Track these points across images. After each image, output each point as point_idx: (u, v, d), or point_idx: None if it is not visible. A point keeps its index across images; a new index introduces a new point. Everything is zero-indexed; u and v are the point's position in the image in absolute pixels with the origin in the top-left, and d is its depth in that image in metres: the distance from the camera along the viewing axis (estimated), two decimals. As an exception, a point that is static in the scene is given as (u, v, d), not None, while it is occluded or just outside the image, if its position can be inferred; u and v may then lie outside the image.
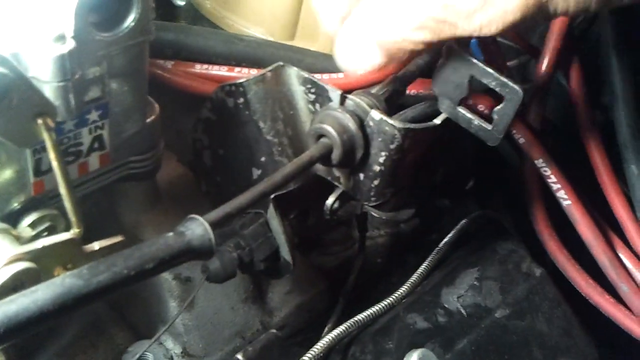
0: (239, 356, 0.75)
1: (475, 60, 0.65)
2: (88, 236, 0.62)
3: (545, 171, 0.91)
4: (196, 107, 0.80)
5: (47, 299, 0.50)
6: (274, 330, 0.80)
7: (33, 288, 0.50)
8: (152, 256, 0.55)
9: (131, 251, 0.55)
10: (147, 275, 0.55)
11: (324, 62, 0.92)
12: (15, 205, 0.63)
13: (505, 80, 0.63)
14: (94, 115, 0.63)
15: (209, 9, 1.01)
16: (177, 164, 0.87)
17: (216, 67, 0.88)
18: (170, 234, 0.58)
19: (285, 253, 0.74)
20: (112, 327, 0.80)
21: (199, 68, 0.88)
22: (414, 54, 0.60)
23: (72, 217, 0.59)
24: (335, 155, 0.68)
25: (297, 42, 0.98)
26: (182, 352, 0.78)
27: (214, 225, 0.59)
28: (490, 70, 0.64)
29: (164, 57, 0.89)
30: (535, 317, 0.87)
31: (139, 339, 0.79)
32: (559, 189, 0.91)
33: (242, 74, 0.88)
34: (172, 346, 0.79)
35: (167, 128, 0.76)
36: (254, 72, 0.86)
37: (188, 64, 0.88)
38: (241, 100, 0.75)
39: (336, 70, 0.89)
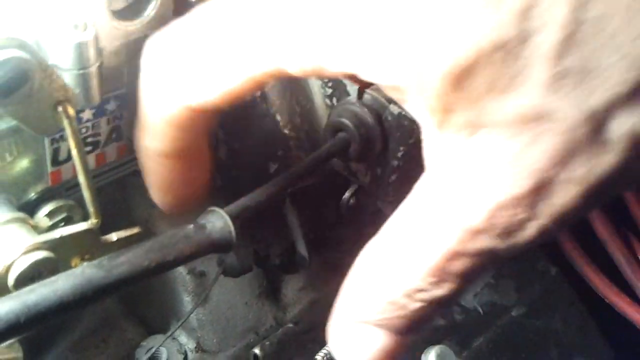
0: (256, 350, 0.74)
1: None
2: (103, 229, 0.62)
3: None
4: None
5: (67, 289, 0.49)
6: (290, 325, 0.79)
7: (53, 278, 0.50)
8: (173, 248, 0.54)
9: (152, 243, 0.55)
10: (167, 268, 0.55)
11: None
12: (32, 195, 0.62)
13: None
14: (112, 105, 0.63)
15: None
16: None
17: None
18: (191, 226, 0.57)
19: (302, 248, 0.74)
20: (123, 322, 0.80)
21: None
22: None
23: (91, 207, 0.59)
24: (353, 150, 0.68)
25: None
26: (195, 347, 0.78)
27: (234, 218, 0.59)
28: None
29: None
30: (551, 315, 0.86)
31: (151, 334, 0.79)
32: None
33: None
34: (186, 341, 0.78)
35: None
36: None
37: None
38: (258, 93, 0.74)
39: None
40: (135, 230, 0.63)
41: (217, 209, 0.59)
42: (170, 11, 0.60)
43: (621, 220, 0.93)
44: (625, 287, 0.90)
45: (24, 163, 0.60)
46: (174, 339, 0.78)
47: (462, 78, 0.38)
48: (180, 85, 0.49)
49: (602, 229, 0.90)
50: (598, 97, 0.37)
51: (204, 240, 0.57)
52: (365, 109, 0.67)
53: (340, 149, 0.68)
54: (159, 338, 0.77)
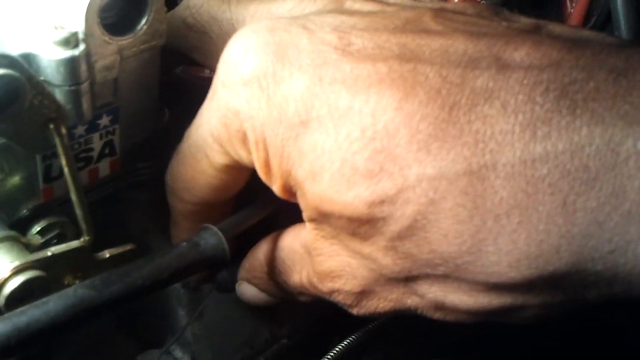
0: (251, 366, 0.74)
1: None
2: (96, 244, 0.61)
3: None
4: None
5: (59, 310, 0.49)
6: (285, 340, 0.78)
7: (44, 299, 0.49)
8: (166, 266, 0.54)
9: (144, 261, 0.54)
10: (161, 286, 0.54)
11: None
12: (24, 212, 0.61)
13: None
14: (105, 120, 0.62)
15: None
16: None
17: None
18: (184, 243, 0.57)
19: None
20: (118, 336, 0.79)
21: (208, 73, 0.87)
22: None
23: (83, 225, 0.58)
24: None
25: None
26: (190, 362, 0.77)
27: (228, 234, 0.58)
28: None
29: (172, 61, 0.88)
30: (550, 326, 0.85)
31: (146, 348, 0.78)
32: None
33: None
34: (181, 355, 0.77)
35: (177, 133, 0.75)
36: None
37: (197, 68, 0.86)
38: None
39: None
40: (128, 247, 0.62)
41: (210, 225, 0.58)
42: (162, 25, 0.60)
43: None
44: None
45: (15, 180, 0.59)
46: (169, 353, 0.77)
47: (322, 215, 0.53)
48: None
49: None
50: (414, 269, 0.51)
51: (197, 257, 0.57)
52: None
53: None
54: (154, 353, 0.76)
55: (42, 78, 0.53)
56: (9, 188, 0.59)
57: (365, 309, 0.58)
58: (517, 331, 0.82)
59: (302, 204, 0.55)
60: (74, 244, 0.58)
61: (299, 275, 0.62)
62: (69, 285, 0.57)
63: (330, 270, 0.57)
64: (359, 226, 0.51)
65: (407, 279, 0.52)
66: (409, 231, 0.48)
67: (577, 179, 0.43)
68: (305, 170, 0.52)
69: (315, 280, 0.60)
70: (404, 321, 0.81)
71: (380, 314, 0.58)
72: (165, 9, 0.60)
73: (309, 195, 0.53)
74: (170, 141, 0.73)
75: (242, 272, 0.71)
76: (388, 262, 0.51)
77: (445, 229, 0.47)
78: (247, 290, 0.71)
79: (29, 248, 0.59)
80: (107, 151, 0.64)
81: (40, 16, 0.54)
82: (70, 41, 0.53)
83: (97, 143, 0.63)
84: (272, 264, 0.64)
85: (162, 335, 0.78)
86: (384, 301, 0.56)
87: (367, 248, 0.52)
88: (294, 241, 0.62)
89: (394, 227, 0.49)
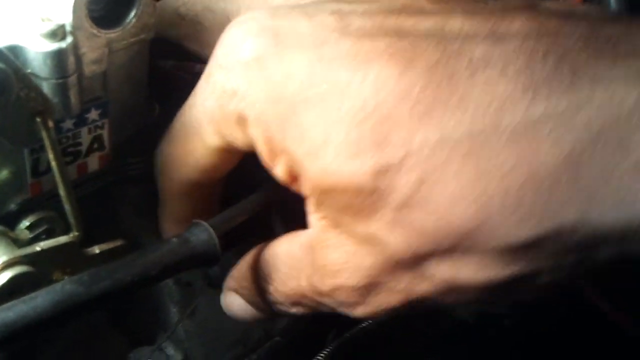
0: (244, 364, 0.73)
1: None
2: (86, 239, 0.61)
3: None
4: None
5: (47, 306, 0.48)
6: (278, 338, 0.78)
7: (32, 294, 0.49)
8: (155, 262, 0.54)
9: (134, 257, 0.53)
10: (150, 283, 0.54)
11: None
12: (12, 206, 0.61)
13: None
14: (93, 115, 0.61)
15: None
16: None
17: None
18: (174, 239, 0.56)
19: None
20: (109, 333, 0.79)
21: (199, 69, 0.86)
22: None
23: (72, 220, 0.58)
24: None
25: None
26: (183, 359, 0.76)
27: (219, 230, 0.58)
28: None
29: (162, 56, 0.87)
30: (544, 326, 0.85)
31: (138, 345, 0.77)
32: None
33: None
34: (173, 352, 0.77)
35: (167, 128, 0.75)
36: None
37: (188, 63, 0.86)
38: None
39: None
40: (118, 242, 0.62)
41: (201, 221, 0.58)
42: (152, 18, 0.59)
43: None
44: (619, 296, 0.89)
45: (3, 174, 0.59)
46: (161, 350, 0.77)
47: (325, 193, 0.52)
48: None
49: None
50: (422, 244, 0.49)
51: (188, 253, 0.56)
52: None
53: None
54: (145, 350, 0.76)
55: (29, 71, 0.52)
56: (-4, 182, 0.59)
57: (372, 306, 0.56)
58: (511, 327, 0.82)
59: (305, 186, 0.54)
60: (63, 239, 0.58)
61: (297, 280, 0.60)
62: (57, 281, 0.57)
63: (334, 263, 0.55)
64: (364, 199, 0.50)
65: (415, 261, 0.51)
66: (414, 199, 0.48)
67: (581, 134, 0.44)
68: (307, 147, 0.51)
69: (315, 279, 0.58)
70: (399, 319, 0.82)
71: (388, 310, 0.56)
72: (155, 2, 0.60)
73: (311, 173, 0.52)
74: (160, 136, 0.73)
75: (230, 282, 0.69)
76: (394, 239, 0.50)
77: (450, 193, 0.47)
78: (234, 302, 0.69)
79: (17, 243, 0.58)
80: (96, 146, 0.63)
81: (27, 8, 0.53)
82: (57, 34, 0.52)
83: (85, 137, 0.62)
84: (265, 273, 0.63)
85: (153, 332, 0.78)
86: (392, 294, 0.54)
87: (373, 225, 0.51)
88: (291, 245, 0.61)
89: (399, 195, 0.48)
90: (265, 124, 0.53)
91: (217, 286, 0.71)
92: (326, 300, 0.58)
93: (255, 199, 0.65)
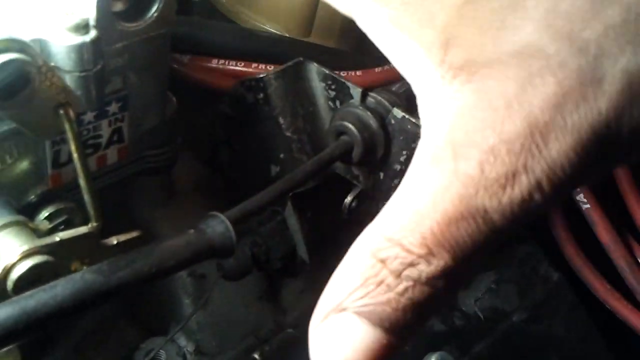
0: (256, 355, 0.74)
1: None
2: (104, 230, 0.61)
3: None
4: (213, 102, 0.79)
5: (67, 295, 0.49)
6: (290, 330, 0.79)
7: (52, 283, 0.49)
8: (173, 253, 0.54)
9: (151, 248, 0.54)
10: (167, 273, 0.54)
11: (340, 59, 0.91)
12: (32, 197, 0.62)
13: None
14: (114, 108, 0.62)
15: (224, 4, 0.99)
16: (193, 158, 0.85)
17: (233, 62, 0.87)
18: (191, 231, 0.57)
19: (303, 252, 0.73)
20: (123, 323, 0.79)
21: (215, 63, 0.87)
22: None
23: (91, 211, 0.58)
24: (356, 154, 0.67)
25: (313, 39, 0.97)
26: (195, 350, 0.77)
27: (235, 223, 0.58)
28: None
29: (179, 51, 0.88)
30: (553, 321, 0.86)
31: (151, 336, 0.78)
32: (578, 193, 0.90)
33: (260, 69, 0.86)
34: (185, 344, 0.77)
35: (184, 122, 0.75)
36: (270, 68, 0.85)
37: (205, 58, 0.87)
38: (261, 95, 0.73)
39: (353, 67, 0.88)
40: (135, 233, 0.62)
41: (217, 213, 0.58)
42: (173, 12, 0.60)
43: (623, 226, 0.93)
44: (627, 293, 0.90)
45: (24, 165, 0.60)
46: (173, 341, 0.78)
47: (466, 7, 0.40)
48: None
49: (605, 235, 0.89)
50: (589, 32, 0.38)
51: (204, 245, 0.57)
52: (369, 113, 0.67)
53: (343, 153, 0.68)
54: (158, 340, 0.77)
55: (52, 64, 0.53)
56: (17, 173, 0.60)
57: (543, 166, 0.37)
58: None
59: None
60: (82, 229, 0.59)
61: (430, 217, 0.38)
62: (76, 271, 0.58)
63: (479, 123, 0.38)
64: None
65: (585, 54, 0.38)
66: None
67: None
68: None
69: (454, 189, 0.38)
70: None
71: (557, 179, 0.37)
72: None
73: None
74: (178, 130, 0.74)
75: (328, 303, 0.40)
76: (549, 40, 0.38)
77: None
78: (349, 333, 0.38)
79: (37, 233, 0.59)
80: (115, 138, 0.64)
81: (51, 2, 0.54)
82: (80, 27, 0.53)
83: (105, 130, 0.63)
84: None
85: (166, 323, 0.79)
86: (564, 136, 0.37)
87: (520, 33, 0.39)
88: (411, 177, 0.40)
89: None
90: None
91: (231, 278, 0.72)
92: (475, 202, 0.37)
93: (270, 191, 0.66)
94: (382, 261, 0.38)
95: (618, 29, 0.38)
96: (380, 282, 0.38)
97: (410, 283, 0.38)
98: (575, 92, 0.37)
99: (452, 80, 0.40)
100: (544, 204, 0.38)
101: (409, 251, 0.38)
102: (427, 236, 0.38)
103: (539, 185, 0.38)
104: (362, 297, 0.39)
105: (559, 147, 0.37)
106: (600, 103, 0.37)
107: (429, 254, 0.38)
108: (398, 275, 0.38)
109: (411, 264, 0.38)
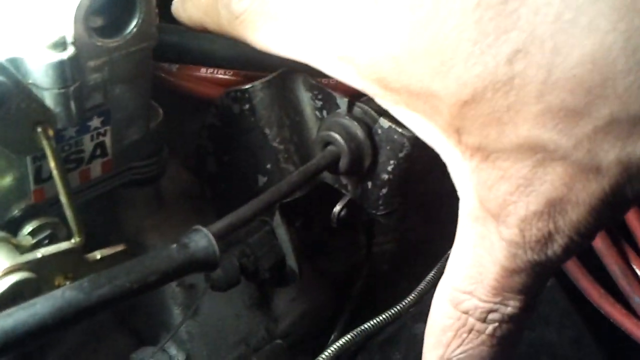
0: (247, 364, 0.74)
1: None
2: (90, 242, 0.61)
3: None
4: (201, 111, 0.79)
5: (46, 313, 0.49)
6: (279, 341, 0.79)
7: (32, 301, 0.49)
8: (155, 269, 0.54)
9: (133, 264, 0.54)
10: (149, 288, 0.54)
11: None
12: (15, 212, 0.61)
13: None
14: (96, 122, 0.62)
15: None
16: (181, 168, 0.85)
17: (221, 71, 0.86)
18: (174, 245, 0.57)
19: (292, 262, 0.73)
20: (114, 333, 0.80)
21: (204, 72, 0.87)
22: None
23: (73, 227, 0.58)
24: (343, 164, 0.67)
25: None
26: (185, 359, 0.77)
27: (219, 236, 0.58)
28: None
29: (167, 60, 0.88)
30: (545, 327, 0.85)
31: (142, 346, 0.78)
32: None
33: (248, 78, 0.86)
34: (176, 353, 0.77)
35: (171, 132, 0.75)
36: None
37: (193, 67, 0.86)
38: (247, 106, 0.73)
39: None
40: (119, 247, 0.62)
41: (200, 227, 0.58)
42: (153, 27, 0.60)
43: (617, 231, 0.92)
44: (620, 298, 0.89)
45: (6, 181, 0.60)
46: (164, 350, 0.78)
47: (465, 108, 0.46)
48: None
49: (598, 240, 0.89)
50: (579, 130, 0.43)
51: (187, 259, 0.57)
52: (355, 122, 0.67)
53: (330, 163, 0.67)
54: (149, 350, 0.77)
55: (30, 81, 0.53)
56: None
57: (570, 228, 0.46)
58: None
59: (442, 113, 0.48)
60: (65, 245, 0.59)
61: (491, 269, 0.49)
62: (59, 287, 0.58)
63: (505, 197, 0.47)
64: (503, 96, 0.45)
65: (587, 153, 0.44)
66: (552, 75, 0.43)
67: None
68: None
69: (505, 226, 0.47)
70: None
71: (585, 232, 0.47)
72: (157, 10, 0.60)
73: (444, 91, 0.47)
74: (165, 141, 0.73)
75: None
76: (553, 135, 0.44)
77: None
78: None
79: (20, 249, 0.59)
80: (98, 152, 0.64)
81: (28, 20, 0.54)
82: (58, 45, 0.53)
83: (87, 144, 0.63)
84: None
85: (156, 333, 0.79)
86: (578, 206, 0.46)
87: (522, 127, 0.44)
88: (460, 239, 0.51)
89: (537, 76, 0.43)
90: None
91: (218, 289, 0.72)
92: (525, 258, 0.48)
93: (256, 203, 0.65)
94: (465, 312, 0.50)
95: (607, 129, 0.42)
96: (470, 330, 0.50)
97: (496, 324, 0.50)
98: (578, 177, 0.44)
99: (471, 158, 0.48)
100: (580, 246, 0.47)
101: (486, 301, 0.49)
102: (496, 286, 0.48)
103: (571, 239, 0.46)
104: (459, 346, 0.51)
105: (578, 214, 0.45)
106: (602, 183, 0.44)
107: (504, 299, 0.49)
108: (483, 320, 0.50)
109: (491, 310, 0.49)
